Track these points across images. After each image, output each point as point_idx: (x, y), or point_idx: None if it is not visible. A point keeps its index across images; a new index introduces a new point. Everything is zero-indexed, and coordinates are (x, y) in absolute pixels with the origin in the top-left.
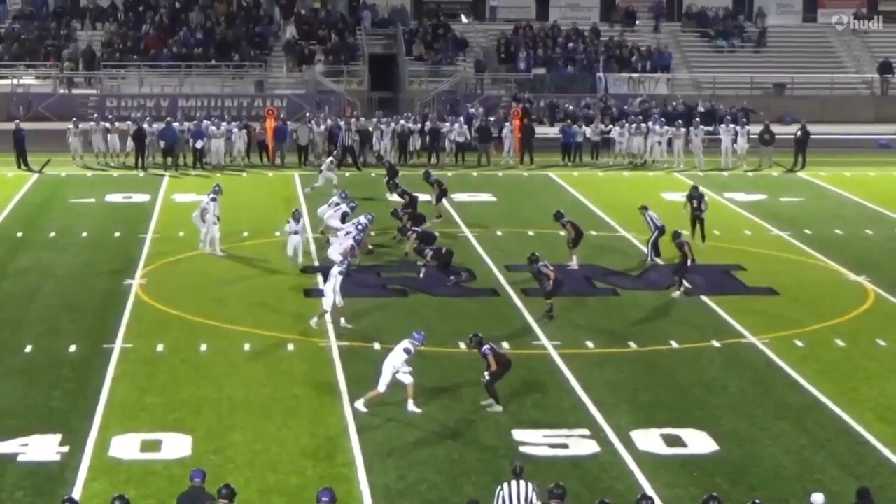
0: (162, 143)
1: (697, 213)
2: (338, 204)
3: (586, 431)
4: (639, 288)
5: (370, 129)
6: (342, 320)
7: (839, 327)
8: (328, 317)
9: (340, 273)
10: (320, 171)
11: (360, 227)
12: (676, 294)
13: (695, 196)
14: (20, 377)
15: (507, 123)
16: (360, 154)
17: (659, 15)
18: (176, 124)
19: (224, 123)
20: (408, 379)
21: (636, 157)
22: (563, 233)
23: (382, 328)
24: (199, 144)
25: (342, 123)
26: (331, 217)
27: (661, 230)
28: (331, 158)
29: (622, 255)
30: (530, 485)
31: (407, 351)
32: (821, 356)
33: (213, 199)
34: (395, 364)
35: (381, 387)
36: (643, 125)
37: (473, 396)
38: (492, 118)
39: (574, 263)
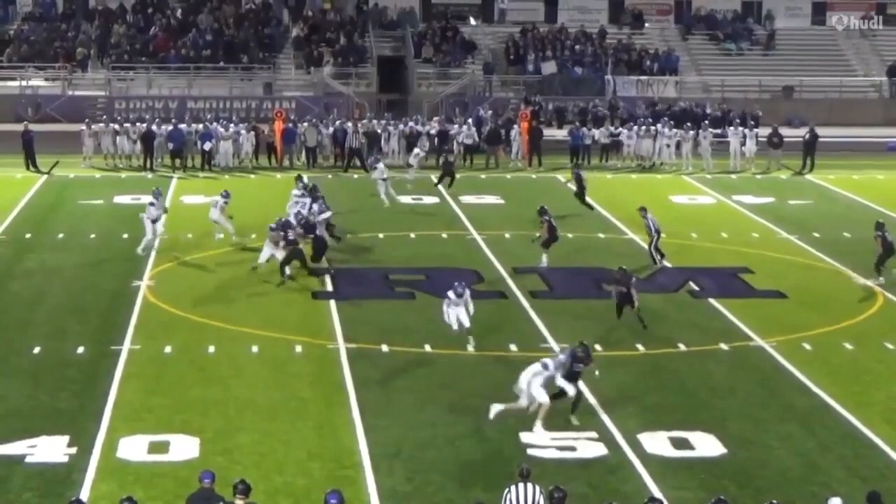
0: (170, 145)
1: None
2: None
3: (594, 434)
4: (647, 291)
5: (378, 131)
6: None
7: (847, 330)
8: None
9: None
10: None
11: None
12: (881, 280)
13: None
14: (28, 378)
15: (516, 125)
16: (369, 156)
17: (689, 25)
18: (183, 126)
19: (232, 125)
20: (543, 397)
21: (644, 159)
22: (538, 233)
23: (390, 330)
24: (207, 146)
25: (349, 125)
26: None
27: (659, 233)
28: (417, 150)
29: (630, 257)
30: (537, 487)
31: (545, 366)
32: (828, 359)
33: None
34: (533, 377)
35: (543, 398)
36: (652, 128)
37: (481, 399)
38: (500, 119)
39: (544, 262)
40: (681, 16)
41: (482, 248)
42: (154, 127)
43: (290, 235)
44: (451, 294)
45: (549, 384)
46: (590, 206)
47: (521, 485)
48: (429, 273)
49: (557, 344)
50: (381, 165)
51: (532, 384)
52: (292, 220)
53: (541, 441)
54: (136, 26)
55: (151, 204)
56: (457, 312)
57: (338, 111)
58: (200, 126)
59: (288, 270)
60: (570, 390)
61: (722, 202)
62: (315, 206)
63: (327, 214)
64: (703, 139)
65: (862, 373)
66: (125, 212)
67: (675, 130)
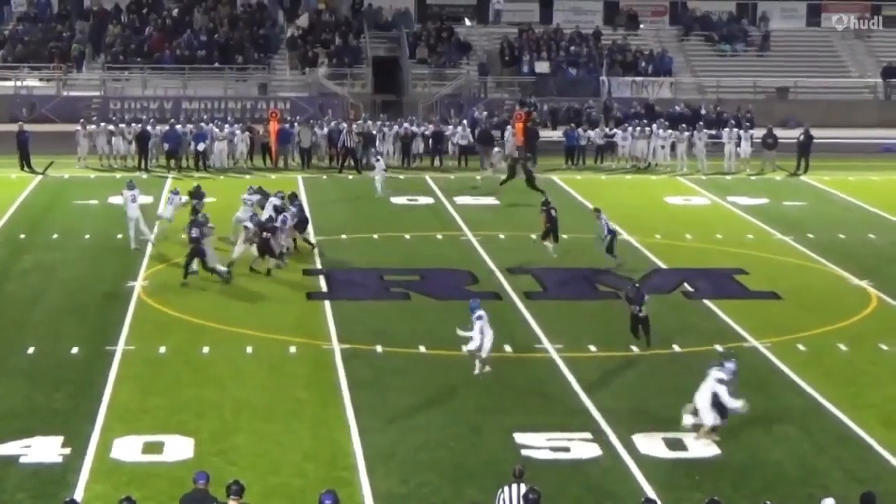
0: (166, 146)
1: None
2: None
3: (588, 435)
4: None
5: (373, 132)
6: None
7: (842, 332)
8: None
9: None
10: (491, 165)
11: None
12: None
13: None
14: (22, 379)
15: (509, 127)
16: (364, 157)
17: (688, 26)
18: (178, 126)
19: (227, 126)
20: (713, 419)
21: (639, 160)
22: (534, 236)
23: (384, 331)
24: (200, 147)
25: (344, 126)
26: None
27: (613, 234)
28: (497, 149)
29: (625, 258)
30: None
31: (721, 381)
32: (823, 360)
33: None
34: (711, 394)
35: (708, 420)
36: (647, 129)
37: (475, 399)
38: (494, 119)
39: (552, 252)
40: (676, 17)
41: (477, 249)
42: (149, 127)
43: (194, 233)
44: (481, 312)
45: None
46: (535, 187)
47: (514, 485)
48: (423, 274)
49: (552, 344)
50: (381, 162)
51: (705, 401)
52: (249, 224)
53: (535, 442)
54: (131, 26)
55: (131, 192)
56: (489, 342)
57: (333, 112)
58: (195, 126)
59: (194, 266)
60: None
61: (717, 203)
62: (287, 214)
63: (292, 222)
64: (697, 140)
65: (857, 374)
66: (120, 212)
67: (669, 131)
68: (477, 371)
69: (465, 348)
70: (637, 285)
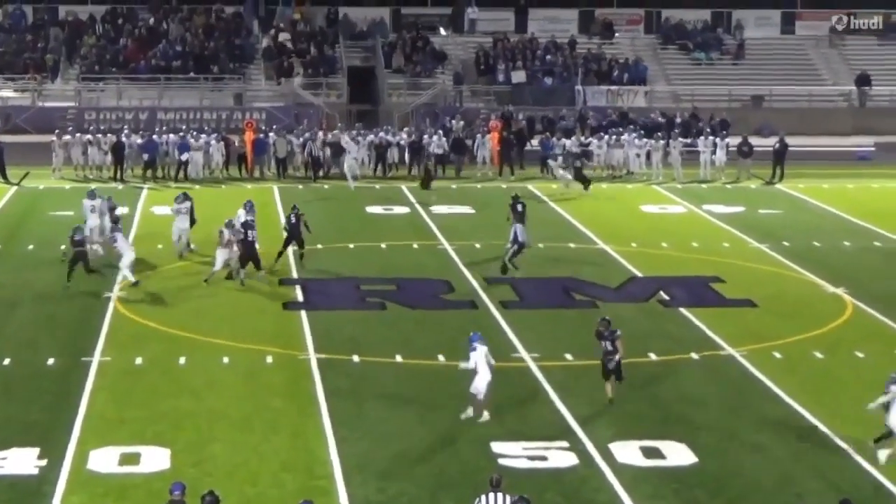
0: (145, 157)
1: None
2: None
3: (565, 444)
4: (618, 300)
5: (348, 139)
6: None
7: (817, 339)
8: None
9: None
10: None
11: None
12: None
13: None
14: None
15: (479, 136)
16: (334, 166)
17: (668, 35)
18: (155, 137)
19: (203, 136)
20: None
21: (615, 169)
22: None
23: (361, 341)
24: (184, 157)
25: (320, 135)
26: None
27: (521, 246)
28: (552, 162)
29: (601, 267)
30: (508, 497)
31: None
32: (799, 368)
33: None
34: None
35: None
36: (622, 137)
37: (452, 409)
38: (470, 128)
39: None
40: (651, 26)
41: (453, 258)
42: (124, 138)
43: (77, 236)
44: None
45: None
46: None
47: (491, 494)
48: (400, 283)
49: (528, 353)
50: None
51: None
52: (224, 230)
53: (512, 451)
54: (106, 37)
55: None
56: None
57: (308, 122)
58: (172, 136)
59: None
60: None
61: (692, 211)
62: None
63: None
64: (672, 149)
65: (833, 381)
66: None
67: (645, 140)
68: (483, 419)
69: (472, 388)
70: (608, 318)
